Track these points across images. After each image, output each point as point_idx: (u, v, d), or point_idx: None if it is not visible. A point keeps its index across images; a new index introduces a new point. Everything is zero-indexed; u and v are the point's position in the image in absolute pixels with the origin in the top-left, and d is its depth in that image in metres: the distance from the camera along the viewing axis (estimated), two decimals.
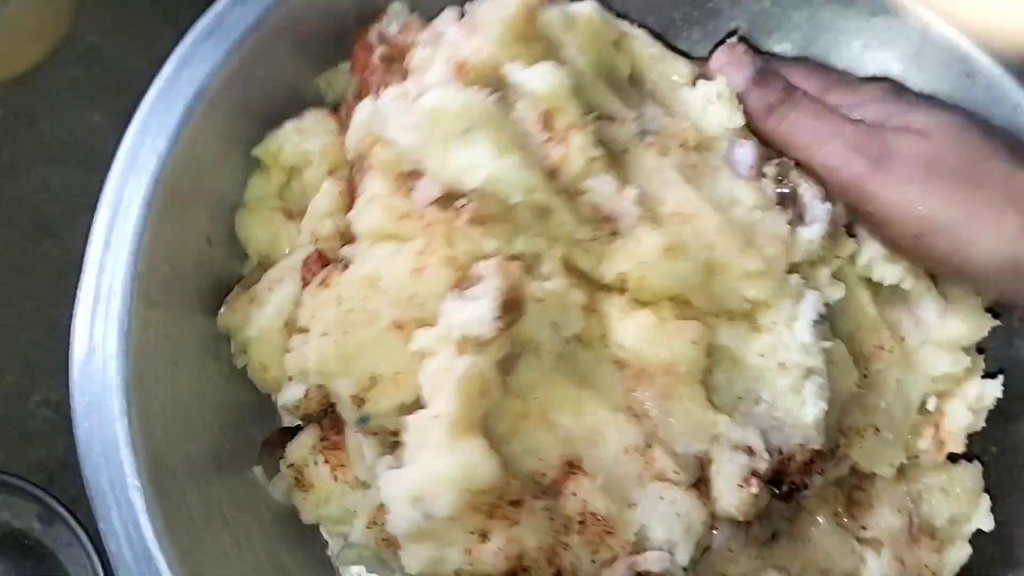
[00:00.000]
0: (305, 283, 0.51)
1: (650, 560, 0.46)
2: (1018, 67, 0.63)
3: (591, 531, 0.46)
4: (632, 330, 0.48)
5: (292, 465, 0.53)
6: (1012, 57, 0.59)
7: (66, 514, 0.59)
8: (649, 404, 0.47)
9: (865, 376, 0.56)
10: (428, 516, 0.43)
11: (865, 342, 0.58)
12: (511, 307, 0.43)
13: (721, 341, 0.49)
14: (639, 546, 0.47)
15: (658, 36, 0.62)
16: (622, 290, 0.49)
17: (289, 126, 0.55)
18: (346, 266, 0.49)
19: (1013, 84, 0.61)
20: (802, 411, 0.49)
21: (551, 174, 0.49)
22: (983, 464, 0.60)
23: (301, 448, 0.53)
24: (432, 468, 0.43)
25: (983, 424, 0.58)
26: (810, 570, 0.55)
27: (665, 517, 0.47)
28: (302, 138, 0.54)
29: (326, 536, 0.58)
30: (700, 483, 0.49)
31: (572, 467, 0.47)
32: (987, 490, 0.58)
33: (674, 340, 0.48)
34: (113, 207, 0.49)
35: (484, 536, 0.44)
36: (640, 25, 0.66)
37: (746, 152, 0.53)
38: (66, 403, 0.63)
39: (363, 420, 0.48)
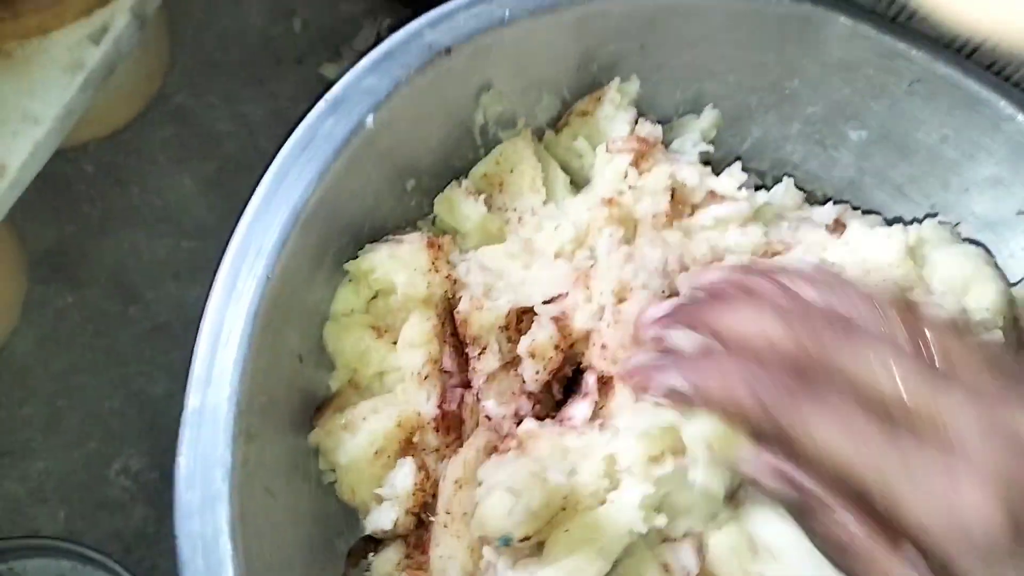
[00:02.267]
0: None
1: None
2: None
3: None
4: None
5: None
6: None
7: None
8: None
9: None
10: None
11: None
12: None
13: None
14: None
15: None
16: None
17: (385, 251, 0.55)
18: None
19: None
20: None
21: None
22: None
23: (387, 564, 0.54)
24: None
25: None
26: None
27: None
28: (393, 266, 0.54)
29: None
30: None
31: None
32: None
33: None
34: (212, 339, 0.49)
35: None
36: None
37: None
38: (145, 473, 0.65)
39: (506, 541, 0.49)
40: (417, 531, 0.53)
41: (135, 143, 0.71)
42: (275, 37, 0.74)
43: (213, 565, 0.46)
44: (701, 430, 0.47)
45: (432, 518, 0.52)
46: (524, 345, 0.52)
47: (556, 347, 0.52)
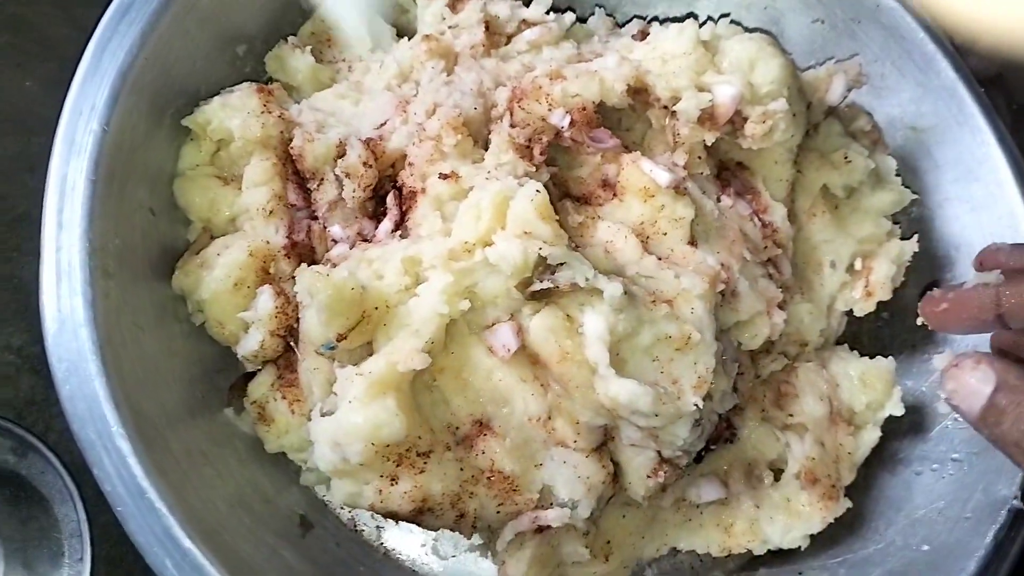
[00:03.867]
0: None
1: (551, 516, 0.54)
2: None
3: (498, 486, 0.53)
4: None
5: (255, 402, 0.59)
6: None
7: (39, 444, 0.63)
8: (552, 381, 0.53)
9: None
10: (344, 460, 0.49)
11: (802, 206, 0.65)
12: None
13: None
14: (544, 502, 0.54)
15: None
16: None
17: (217, 101, 0.59)
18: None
19: None
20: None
21: None
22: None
23: (261, 386, 0.59)
24: (347, 421, 0.50)
25: (903, 279, 0.64)
26: (737, 465, 0.62)
27: (568, 479, 0.53)
28: (227, 114, 0.58)
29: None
30: (603, 446, 0.55)
31: (483, 426, 0.54)
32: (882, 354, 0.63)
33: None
34: (60, 189, 0.53)
35: (393, 480, 0.51)
36: None
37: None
38: (27, 347, 0.68)
39: (329, 346, 0.54)
40: (286, 354, 0.58)
41: None
42: None
43: (85, 381, 0.50)
44: (522, 208, 0.53)
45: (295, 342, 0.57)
46: (339, 166, 0.57)
47: (366, 164, 0.57)
